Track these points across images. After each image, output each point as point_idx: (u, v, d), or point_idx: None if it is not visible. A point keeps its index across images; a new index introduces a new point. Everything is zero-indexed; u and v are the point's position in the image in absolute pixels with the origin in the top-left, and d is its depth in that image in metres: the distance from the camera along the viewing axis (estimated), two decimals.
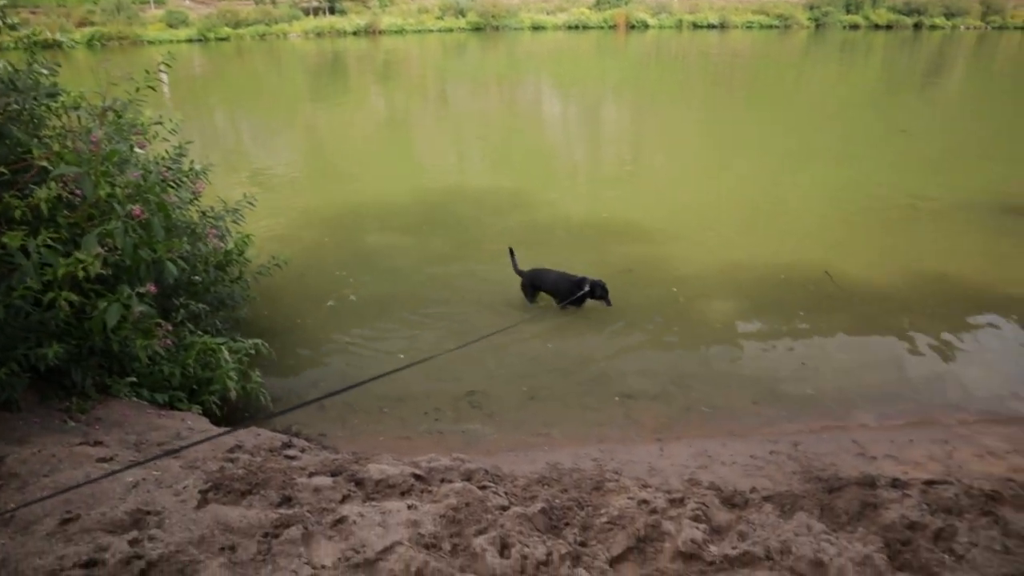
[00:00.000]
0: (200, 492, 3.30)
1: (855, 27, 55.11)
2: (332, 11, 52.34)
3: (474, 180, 13.01)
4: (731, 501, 3.73)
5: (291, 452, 4.19)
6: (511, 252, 7.46)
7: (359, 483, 3.58)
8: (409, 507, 3.29)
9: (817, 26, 54.80)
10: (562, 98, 24.18)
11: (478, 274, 8.11)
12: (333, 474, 3.68)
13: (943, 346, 6.62)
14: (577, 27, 52.60)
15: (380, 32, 49.44)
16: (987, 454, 4.78)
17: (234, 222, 6.26)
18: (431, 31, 51.04)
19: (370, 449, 4.76)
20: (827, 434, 5.18)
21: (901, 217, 10.28)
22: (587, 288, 6.95)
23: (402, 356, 6.33)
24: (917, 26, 55.08)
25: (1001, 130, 17.99)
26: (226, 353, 4.94)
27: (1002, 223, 10.02)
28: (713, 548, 3.16)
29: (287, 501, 3.33)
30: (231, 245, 6.00)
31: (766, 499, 3.75)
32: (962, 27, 55.27)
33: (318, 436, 5.04)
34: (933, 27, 54.98)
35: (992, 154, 15.02)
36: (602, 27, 53.01)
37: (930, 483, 3.92)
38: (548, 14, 53.70)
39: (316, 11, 51.72)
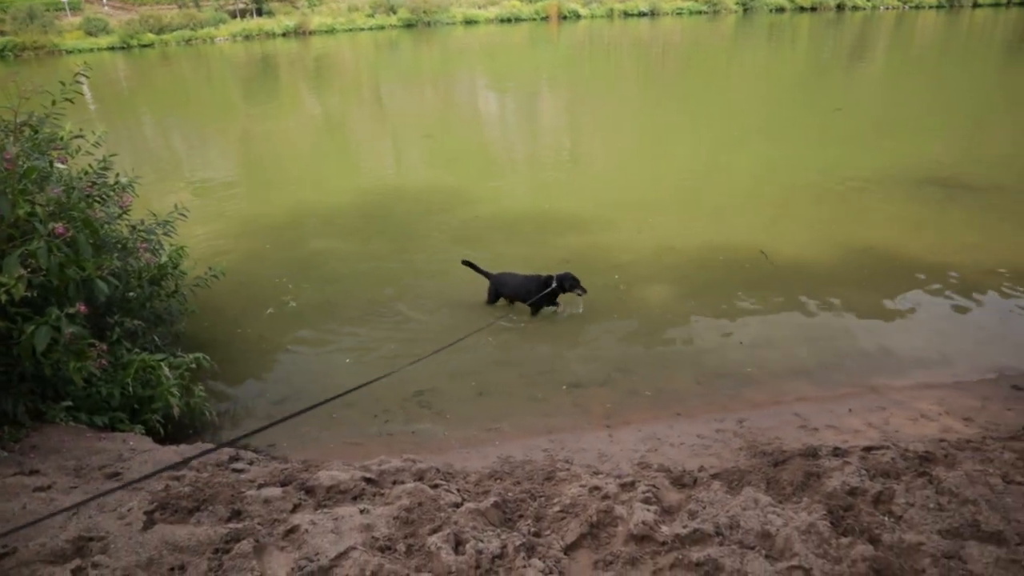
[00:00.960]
0: (145, 513, 3.23)
1: (781, 10, 56.54)
2: (259, 13, 51.27)
3: (414, 179, 12.93)
4: (680, 481, 3.81)
5: (239, 465, 4.12)
6: (468, 264, 7.19)
7: (310, 491, 3.55)
8: (361, 511, 3.27)
9: (745, 10, 56.04)
10: (498, 92, 24.16)
11: (421, 273, 8.07)
12: (283, 484, 3.64)
13: (875, 316, 6.86)
14: (509, 20, 52.67)
15: (310, 32, 48.65)
16: (921, 417, 4.99)
17: (166, 234, 6.07)
18: (362, 29, 50.46)
19: (320, 456, 4.72)
20: (770, 409, 5.33)
21: (830, 193, 10.61)
22: (555, 284, 6.75)
23: (348, 360, 6.27)
24: (840, 7, 56.90)
25: (925, 104, 18.69)
26: (166, 369, 4.83)
27: (926, 194, 10.42)
28: (664, 528, 3.22)
29: (237, 515, 3.28)
30: (165, 258, 5.83)
31: (714, 477, 3.84)
32: (881, 8, 57.32)
33: (267, 447, 4.96)
34: (855, 8, 56.87)
35: (917, 128, 15.61)
36: (534, 19, 53.21)
37: (868, 449, 4.07)
38: (479, 8, 53.64)
39: (243, 13, 50.59)
